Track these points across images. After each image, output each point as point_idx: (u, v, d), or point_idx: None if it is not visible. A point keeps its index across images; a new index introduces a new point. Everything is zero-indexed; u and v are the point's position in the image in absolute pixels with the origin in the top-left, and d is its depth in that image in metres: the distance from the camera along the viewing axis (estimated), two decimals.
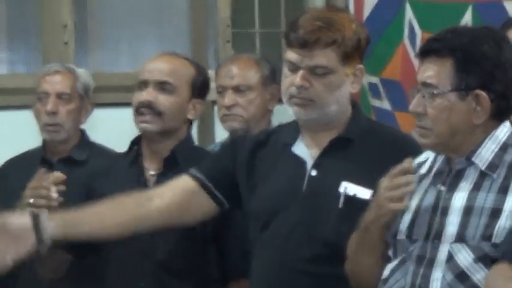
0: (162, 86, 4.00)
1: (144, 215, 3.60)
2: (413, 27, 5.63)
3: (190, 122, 4.16)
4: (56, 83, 4.70)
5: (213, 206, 3.51)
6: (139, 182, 3.95)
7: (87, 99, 4.71)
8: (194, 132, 5.11)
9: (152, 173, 4.04)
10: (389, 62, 4.56)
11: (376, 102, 5.38)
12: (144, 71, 4.07)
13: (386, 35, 5.76)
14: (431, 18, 5.55)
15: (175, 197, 3.60)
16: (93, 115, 4.87)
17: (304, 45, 3.29)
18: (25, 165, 4.71)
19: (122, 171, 4.07)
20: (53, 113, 4.55)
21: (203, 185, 3.51)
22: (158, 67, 4.10)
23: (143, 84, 3.95)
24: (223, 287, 3.99)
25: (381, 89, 5.04)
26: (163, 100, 4.02)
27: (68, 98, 4.60)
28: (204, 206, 3.56)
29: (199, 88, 4.08)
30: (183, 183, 3.57)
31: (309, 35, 3.27)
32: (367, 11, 5.96)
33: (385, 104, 5.06)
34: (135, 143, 4.08)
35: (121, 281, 3.89)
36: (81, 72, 4.89)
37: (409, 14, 5.74)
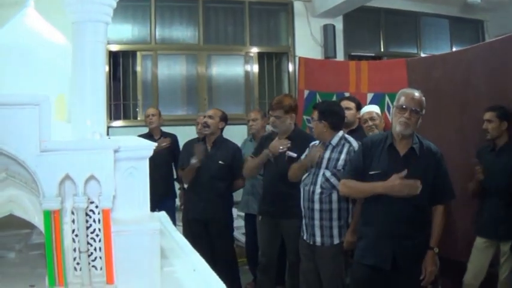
0: (210, 117, 6.27)
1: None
2: (318, 101, 7.45)
3: (221, 129, 6.39)
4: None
5: None
6: (206, 151, 6.21)
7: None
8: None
9: (209, 147, 6.29)
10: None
11: (310, 125, 6.68)
12: (206, 113, 6.43)
13: (310, 104, 7.52)
14: (322, 98, 7.57)
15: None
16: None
17: (273, 108, 5.48)
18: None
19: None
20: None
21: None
22: (210, 111, 6.42)
23: (204, 117, 6.41)
24: (230, 183, 6.36)
25: (311, 120, 5.91)
26: (210, 122, 6.24)
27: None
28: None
29: (223, 119, 6.34)
30: None
31: (274, 105, 5.47)
32: (306, 95, 8.10)
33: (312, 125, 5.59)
34: (203, 138, 6.41)
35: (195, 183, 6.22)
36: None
37: (317, 97, 7.90)
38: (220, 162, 6.12)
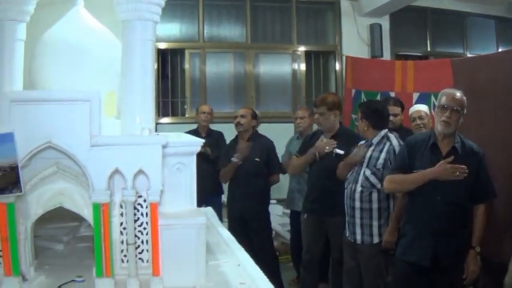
0: (242, 117, 6.44)
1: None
2: (363, 100, 7.52)
3: (254, 127, 6.56)
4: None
5: None
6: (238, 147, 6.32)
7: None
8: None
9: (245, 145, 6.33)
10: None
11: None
12: (238, 113, 6.54)
13: (357, 102, 7.48)
14: (367, 98, 7.62)
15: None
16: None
17: (316, 105, 5.57)
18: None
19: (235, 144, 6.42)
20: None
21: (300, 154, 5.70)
22: (241, 110, 6.57)
23: (236, 116, 6.49)
24: (267, 179, 6.40)
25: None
26: (243, 121, 6.43)
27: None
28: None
29: (254, 116, 6.50)
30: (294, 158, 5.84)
31: (318, 101, 5.55)
32: (353, 94, 8.04)
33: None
34: (237, 136, 6.56)
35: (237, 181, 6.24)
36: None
37: (363, 96, 7.83)
38: (256, 159, 6.18)
